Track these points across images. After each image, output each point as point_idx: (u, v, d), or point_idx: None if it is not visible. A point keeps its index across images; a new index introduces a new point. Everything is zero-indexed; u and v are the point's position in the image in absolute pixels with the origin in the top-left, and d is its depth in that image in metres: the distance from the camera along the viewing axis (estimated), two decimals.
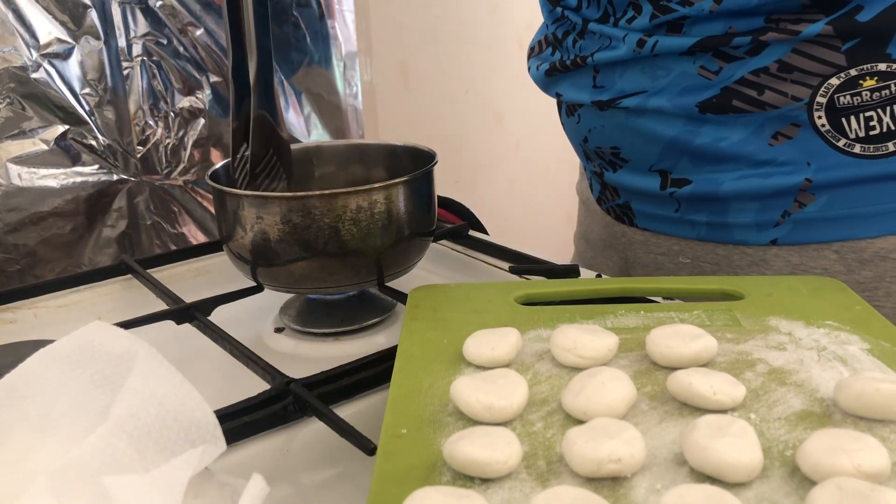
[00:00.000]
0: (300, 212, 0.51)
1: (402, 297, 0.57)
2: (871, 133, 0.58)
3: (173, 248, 1.21)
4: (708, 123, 0.62)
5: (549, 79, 0.74)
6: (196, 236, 1.29)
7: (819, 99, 0.58)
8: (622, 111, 0.67)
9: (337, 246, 0.52)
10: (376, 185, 0.52)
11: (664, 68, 0.63)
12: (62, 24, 1.11)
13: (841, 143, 0.59)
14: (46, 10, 1.09)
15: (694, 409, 0.36)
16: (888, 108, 0.57)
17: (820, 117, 0.58)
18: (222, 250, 0.61)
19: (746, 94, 0.59)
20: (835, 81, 0.57)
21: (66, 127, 1.13)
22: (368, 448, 0.38)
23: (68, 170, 1.14)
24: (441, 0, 1.66)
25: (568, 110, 0.75)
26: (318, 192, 0.52)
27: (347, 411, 0.44)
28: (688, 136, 0.63)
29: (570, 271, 0.61)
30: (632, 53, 0.63)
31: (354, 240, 0.52)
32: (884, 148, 0.58)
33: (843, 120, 0.58)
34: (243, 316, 0.60)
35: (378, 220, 0.53)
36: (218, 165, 0.60)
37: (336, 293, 0.59)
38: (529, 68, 0.79)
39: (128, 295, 0.65)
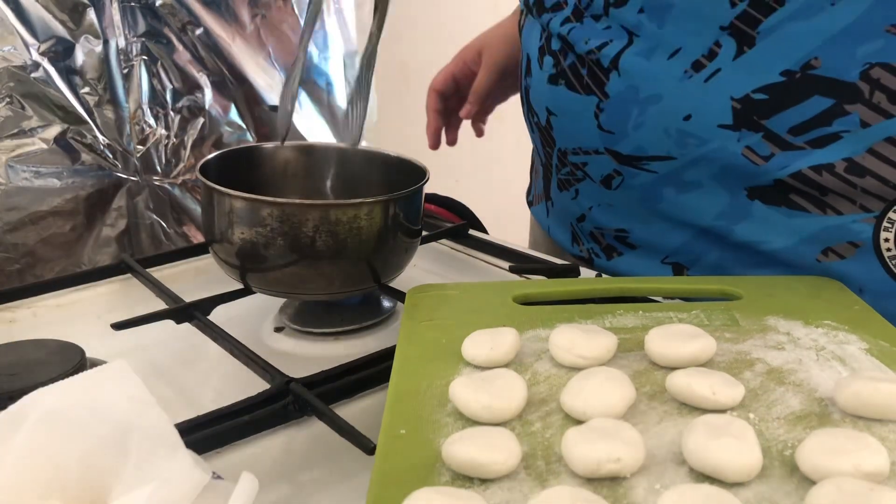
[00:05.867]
0: (280, 218, 0.51)
1: (402, 296, 0.57)
2: None
3: (173, 247, 1.21)
4: (752, 217, 0.54)
5: (550, 87, 0.63)
6: (196, 236, 1.29)
7: (892, 215, 0.49)
8: (638, 188, 0.57)
9: (323, 252, 0.52)
10: (367, 200, 0.52)
11: (696, 137, 0.53)
12: (62, 23, 1.11)
13: None
14: (46, 8, 1.09)
15: (693, 408, 0.36)
16: None
17: (887, 240, 0.50)
18: None
19: (805, 191, 0.51)
20: None
21: (66, 126, 1.13)
22: (368, 448, 0.38)
23: (68, 169, 1.14)
24: (442, 0, 1.67)
25: (560, 184, 0.66)
26: (307, 202, 0.52)
27: (347, 411, 0.44)
28: (725, 227, 0.55)
29: (569, 271, 0.61)
30: (677, 75, 0.51)
31: (337, 248, 0.52)
32: None
33: None
34: (243, 315, 0.60)
35: (364, 232, 0.52)
36: (210, 156, 0.60)
37: (330, 299, 0.59)
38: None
39: (127, 294, 0.64)
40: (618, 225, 0.62)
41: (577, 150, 0.62)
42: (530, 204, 0.81)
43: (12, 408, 0.29)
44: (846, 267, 0.52)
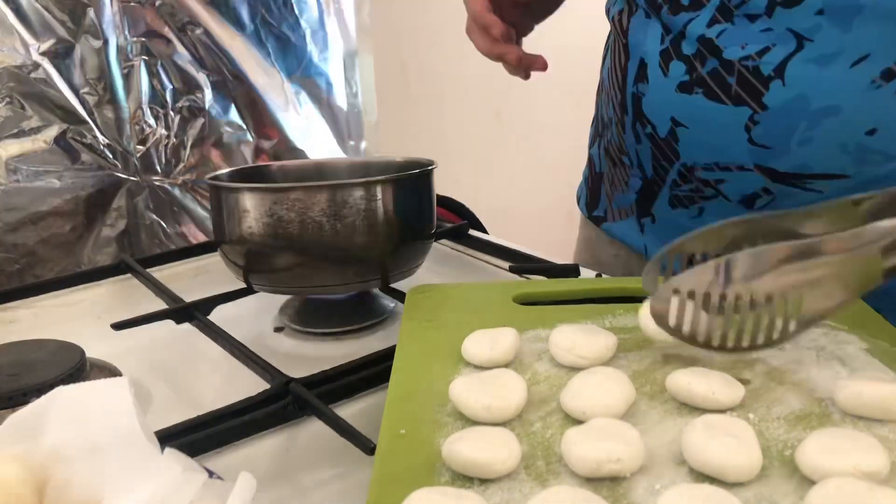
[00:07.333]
0: (285, 204, 0.51)
1: (402, 296, 0.57)
2: None
3: (173, 247, 1.21)
4: None
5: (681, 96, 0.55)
6: (196, 236, 1.29)
7: None
8: None
9: (334, 244, 0.52)
10: (371, 179, 0.53)
11: (881, 153, 0.48)
12: (62, 23, 1.11)
13: None
14: (46, 8, 1.09)
15: (693, 408, 0.36)
16: None
17: None
18: None
19: None
20: None
21: (66, 126, 1.13)
22: (368, 448, 0.38)
23: (68, 169, 1.15)
24: (441, 0, 1.67)
25: (677, 200, 0.60)
26: (314, 184, 0.53)
27: (347, 411, 0.44)
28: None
29: (569, 271, 0.61)
30: None
31: (345, 237, 0.52)
32: None
33: None
34: (243, 315, 0.60)
35: (370, 217, 0.52)
36: (221, 172, 0.61)
37: (336, 294, 0.59)
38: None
39: (127, 294, 0.65)
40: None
41: (711, 166, 0.57)
42: (599, 219, 0.74)
43: (12, 417, 0.29)
44: None
